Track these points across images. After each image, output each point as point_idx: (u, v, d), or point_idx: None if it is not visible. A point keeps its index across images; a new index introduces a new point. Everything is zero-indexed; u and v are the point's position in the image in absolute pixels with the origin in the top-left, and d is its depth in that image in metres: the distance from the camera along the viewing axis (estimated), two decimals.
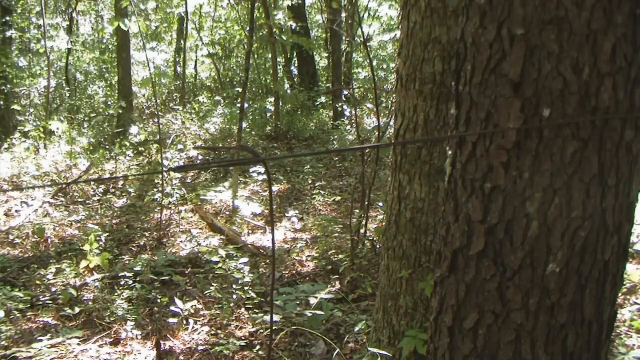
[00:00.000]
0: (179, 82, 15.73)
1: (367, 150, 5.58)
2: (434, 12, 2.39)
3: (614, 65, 1.17)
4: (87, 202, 7.02)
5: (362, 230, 4.78)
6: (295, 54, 13.29)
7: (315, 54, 13.67)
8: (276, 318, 3.43)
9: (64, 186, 7.05)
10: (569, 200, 1.22)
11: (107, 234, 5.63)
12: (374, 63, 12.09)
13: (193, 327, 3.69)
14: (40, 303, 4.10)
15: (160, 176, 6.68)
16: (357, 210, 5.26)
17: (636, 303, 3.42)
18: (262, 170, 7.44)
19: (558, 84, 1.18)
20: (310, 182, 7.84)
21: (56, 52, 14.78)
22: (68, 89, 14.24)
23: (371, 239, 4.79)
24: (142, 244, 5.60)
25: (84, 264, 4.62)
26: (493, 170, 1.26)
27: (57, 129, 8.88)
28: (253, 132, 10.27)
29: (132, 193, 7.49)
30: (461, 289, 1.34)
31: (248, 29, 8.32)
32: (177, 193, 6.68)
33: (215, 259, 4.62)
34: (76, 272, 4.62)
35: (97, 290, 4.33)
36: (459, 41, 1.33)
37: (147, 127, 11.58)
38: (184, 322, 3.72)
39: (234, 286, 4.18)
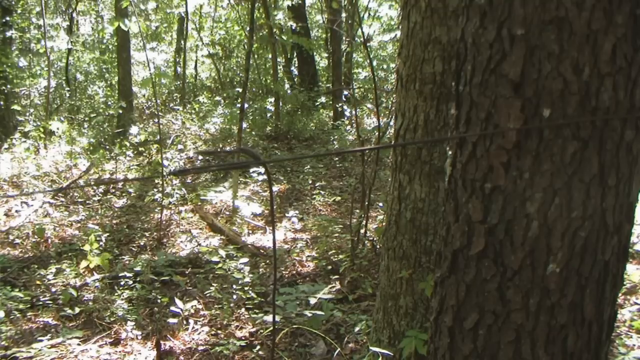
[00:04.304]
0: (179, 82, 15.73)
1: (367, 151, 5.58)
2: (434, 12, 2.39)
3: (614, 65, 1.17)
4: (87, 202, 7.02)
5: (362, 230, 4.78)
6: (295, 54, 13.29)
7: (315, 54, 13.67)
8: (276, 318, 3.43)
9: (64, 188, 7.05)
10: (569, 200, 1.22)
11: (107, 234, 5.62)
12: (374, 63, 12.09)
13: (193, 327, 3.69)
14: (40, 303, 4.10)
15: (160, 177, 6.68)
16: (357, 210, 5.26)
17: (636, 303, 3.42)
18: (262, 170, 7.44)
19: (558, 84, 1.18)
20: (310, 182, 7.84)
21: (56, 52, 14.78)
22: (68, 89, 14.24)
23: (371, 239, 4.79)
24: (142, 244, 5.60)
25: (84, 264, 4.62)
26: (493, 170, 1.26)
27: (57, 129, 8.88)
28: (253, 132, 10.27)
29: (132, 193, 7.49)
30: (461, 289, 1.34)
31: (248, 29, 8.32)
32: (177, 193, 6.69)
33: (215, 259, 4.62)
34: (76, 272, 4.62)
35: (97, 290, 4.33)
36: (459, 41, 1.33)
37: (147, 127, 11.58)
38: (184, 322, 3.72)
39: (234, 286, 4.18)
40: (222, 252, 4.70)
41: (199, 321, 3.79)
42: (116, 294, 4.23)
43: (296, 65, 13.46)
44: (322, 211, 6.63)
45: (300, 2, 11.41)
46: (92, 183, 7.44)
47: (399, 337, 2.65)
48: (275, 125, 10.54)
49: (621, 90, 1.19)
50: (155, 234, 5.79)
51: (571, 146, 1.20)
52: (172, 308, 3.73)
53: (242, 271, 4.37)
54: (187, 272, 4.71)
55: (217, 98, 13.40)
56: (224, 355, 3.28)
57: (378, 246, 4.49)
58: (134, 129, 10.30)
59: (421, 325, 2.60)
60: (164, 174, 6.36)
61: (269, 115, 11.18)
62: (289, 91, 11.89)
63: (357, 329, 3.29)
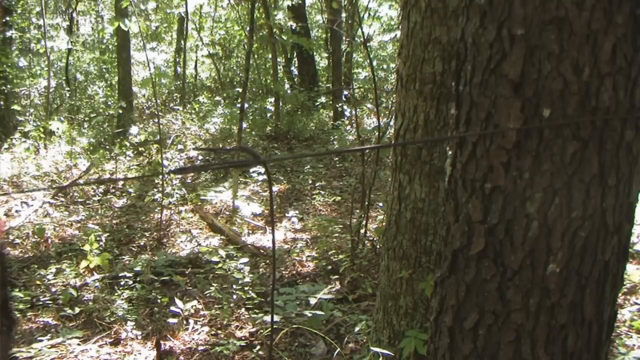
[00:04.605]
0: (179, 82, 15.73)
1: (367, 151, 5.58)
2: (434, 12, 2.40)
3: (614, 65, 1.17)
4: (87, 202, 7.02)
5: (362, 230, 4.78)
6: (295, 54, 13.29)
7: (315, 54, 13.67)
8: (276, 318, 3.43)
9: (64, 187, 7.05)
10: (569, 200, 1.22)
11: (107, 234, 5.62)
12: (374, 63, 12.09)
13: (193, 327, 3.69)
14: (40, 303, 4.10)
15: (160, 176, 6.68)
16: (357, 210, 5.26)
17: (636, 303, 3.42)
18: (262, 170, 7.44)
19: (558, 84, 1.18)
20: (310, 182, 7.84)
21: (56, 52, 14.77)
22: (68, 89, 14.24)
23: (371, 239, 4.79)
24: (142, 244, 5.60)
25: (84, 264, 4.62)
26: (493, 170, 1.26)
27: (57, 129, 8.88)
28: (253, 132, 10.27)
29: (132, 193, 7.49)
30: (461, 289, 1.34)
31: (248, 29, 8.32)
32: (177, 193, 6.68)
33: (215, 259, 4.62)
34: (76, 272, 4.62)
35: (97, 290, 4.33)
36: (459, 41, 1.33)
37: (147, 127, 11.57)
38: (184, 322, 3.72)
39: (234, 286, 4.18)
40: (222, 252, 4.71)
41: (199, 321, 3.79)
42: (116, 294, 4.23)
43: (296, 65, 13.46)
44: (322, 211, 6.63)
45: (300, 2, 11.41)
46: (92, 182, 7.44)
47: (399, 337, 2.65)
48: (275, 125, 10.54)
49: (621, 90, 1.19)
50: (155, 234, 5.79)
51: (571, 146, 1.20)
52: (172, 308, 3.73)
53: (242, 271, 4.37)
54: (187, 272, 4.71)
55: (217, 98, 13.40)
56: (224, 355, 3.28)
57: (378, 246, 4.49)
58: (134, 129, 10.30)
59: (421, 325, 2.60)
60: (164, 172, 6.36)
61: (269, 115, 11.18)
62: (289, 91, 11.89)
63: (357, 329, 3.29)
